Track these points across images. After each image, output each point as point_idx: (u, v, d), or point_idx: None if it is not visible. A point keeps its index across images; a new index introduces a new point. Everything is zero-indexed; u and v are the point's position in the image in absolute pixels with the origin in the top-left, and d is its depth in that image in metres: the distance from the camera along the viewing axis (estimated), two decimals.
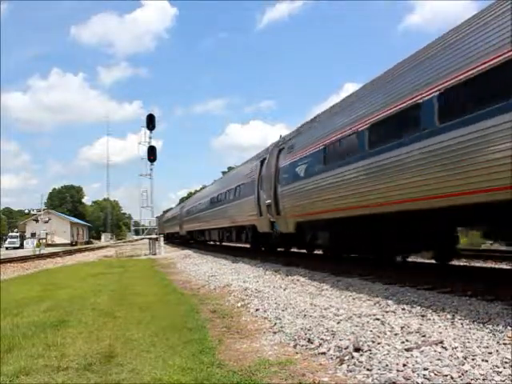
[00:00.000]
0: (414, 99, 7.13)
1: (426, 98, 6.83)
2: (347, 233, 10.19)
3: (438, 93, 6.62)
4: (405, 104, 7.38)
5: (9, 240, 61.18)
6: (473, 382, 3.16)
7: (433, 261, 9.76)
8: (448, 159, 6.36)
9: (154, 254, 26.89)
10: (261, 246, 17.35)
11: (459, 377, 3.23)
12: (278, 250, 16.24)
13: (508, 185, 5.43)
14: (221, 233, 22.12)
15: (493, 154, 5.66)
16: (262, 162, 15.05)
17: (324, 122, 11.37)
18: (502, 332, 4.34)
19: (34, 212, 61.34)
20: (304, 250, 14.70)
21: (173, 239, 44.87)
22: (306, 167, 11.29)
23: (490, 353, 3.68)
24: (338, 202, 9.57)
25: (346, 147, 9.28)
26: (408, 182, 7.23)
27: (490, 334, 4.32)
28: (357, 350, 4.00)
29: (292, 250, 14.88)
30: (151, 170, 28.72)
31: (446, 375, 3.26)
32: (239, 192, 17.69)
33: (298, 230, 12.28)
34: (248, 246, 19.40)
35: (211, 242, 27.38)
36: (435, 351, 3.75)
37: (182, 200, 63.49)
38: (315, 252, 13.92)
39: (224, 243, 24.47)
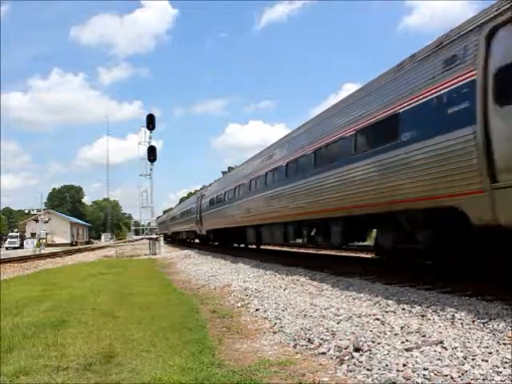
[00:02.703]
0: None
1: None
2: (222, 235, 23.56)
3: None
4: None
5: (9, 240, 61.12)
6: (473, 382, 3.16)
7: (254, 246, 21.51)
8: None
9: (154, 254, 26.90)
10: (207, 241, 29.37)
11: (459, 377, 3.23)
12: (210, 243, 28.66)
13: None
14: (185, 233, 37.11)
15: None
16: (198, 198, 28.96)
17: (218, 183, 24.85)
18: (502, 332, 4.34)
19: (34, 212, 61.21)
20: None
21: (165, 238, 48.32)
22: (206, 205, 25.29)
23: (490, 353, 3.68)
24: (214, 221, 22.74)
25: (221, 199, 21.04)
26: (243, 214, 16.93)
27: (490, 334, 4.31)
28: (357, 350, 4.00)
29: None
30: (151, 169, 28.78)
31: (446, 375, 3.26)
32: (190, 211, 31.81)
33: (207, 233, 26.40)
34: (198, 241, 34.36)
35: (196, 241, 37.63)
36: (435, 351, 3.75)
37: (182, 200, 65.37)
38: (316, 252, 16.60)
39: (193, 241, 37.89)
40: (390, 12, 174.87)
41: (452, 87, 6.13)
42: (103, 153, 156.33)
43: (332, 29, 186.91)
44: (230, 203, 18.88)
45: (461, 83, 5.98)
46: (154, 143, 28.80)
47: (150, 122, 28.49)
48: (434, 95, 6.46)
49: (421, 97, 6.73)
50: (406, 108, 7.06)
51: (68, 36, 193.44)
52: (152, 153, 28.26)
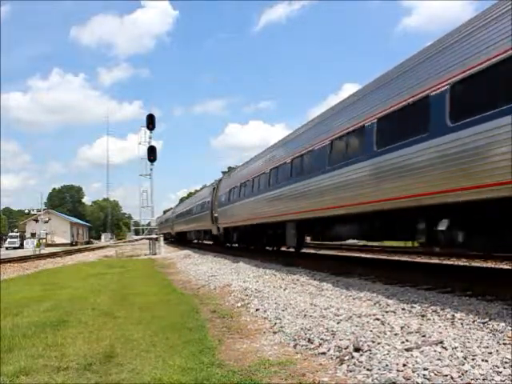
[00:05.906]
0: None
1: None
2: (181, 235, 41.75)
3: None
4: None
5: (9, 240, 61.14)
6: (473, 382, 3.16)
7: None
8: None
9: (154, 254, 26.92)
10: (176, 239, 46.35)
11: (459, 377, 3.23)
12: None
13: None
14: (167, 234, 49.71)
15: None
16: (172, 212, 49.65)
17: (181, 205, 47.51)
18: (502, 332, 4.34)
19: (34, 212, 61.30)
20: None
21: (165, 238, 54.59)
22: (175, 217, 44.14)
23: (490, 353, 3.68)
24: (179, 228, 41.34)
25: (179, 215, 41.07)
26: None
27: (490, 334, 4.32)
28: (357, 350, 3.99)
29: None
30: (151, 169, 28.80)
31: (446, 375, 3.25)
32: (170, 220, 48.45)
33: (176, 234, 45.43)
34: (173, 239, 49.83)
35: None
36: (435, 351, 3.74)
37: (182, 200, 66.36)
38: (317, 252, 16.07)
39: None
40: (389, 13, 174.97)
41: (209, 199, 25.49)
42: (103, 153, 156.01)
43: (331, 29, 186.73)
44: (180, 219, 38.33)
45: (210, 200, 25.37)
46: (153, 143, 28.88)
47: (150, 122, 28.51)
48: (207, 200, 26.27)
49: (204, 201, 27.46)
50: (210, 199, 25.90)
51: (68, 36, 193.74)
52: (152, 153, 28.29)
